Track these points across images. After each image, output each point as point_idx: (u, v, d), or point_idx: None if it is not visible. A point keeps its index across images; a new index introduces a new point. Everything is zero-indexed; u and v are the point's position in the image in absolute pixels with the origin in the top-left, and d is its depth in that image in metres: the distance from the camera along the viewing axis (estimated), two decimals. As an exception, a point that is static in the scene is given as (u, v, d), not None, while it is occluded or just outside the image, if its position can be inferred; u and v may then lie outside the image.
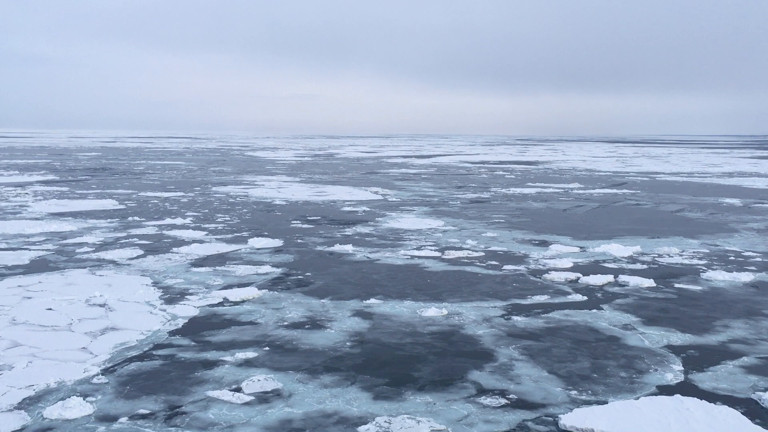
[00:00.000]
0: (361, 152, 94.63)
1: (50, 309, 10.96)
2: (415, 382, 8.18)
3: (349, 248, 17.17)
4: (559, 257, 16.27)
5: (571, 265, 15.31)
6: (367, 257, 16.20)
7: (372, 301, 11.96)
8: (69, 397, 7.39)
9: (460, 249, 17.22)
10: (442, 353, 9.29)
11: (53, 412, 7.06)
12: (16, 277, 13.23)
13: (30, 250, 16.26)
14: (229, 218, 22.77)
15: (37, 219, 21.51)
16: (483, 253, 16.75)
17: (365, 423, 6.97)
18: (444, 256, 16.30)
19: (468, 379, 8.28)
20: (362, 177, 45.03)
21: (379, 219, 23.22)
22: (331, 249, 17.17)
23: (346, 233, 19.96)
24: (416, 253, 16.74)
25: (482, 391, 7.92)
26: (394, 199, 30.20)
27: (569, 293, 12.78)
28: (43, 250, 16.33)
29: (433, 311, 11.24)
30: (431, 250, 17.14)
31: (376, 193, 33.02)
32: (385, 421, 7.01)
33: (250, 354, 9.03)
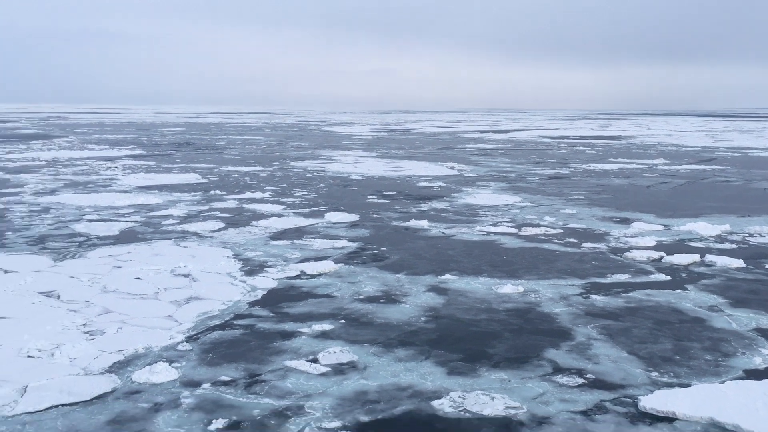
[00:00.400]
0: (437, 127, 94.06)
1: (138, 278, 11.46)
2: (490, 359, 8.14)
3: (424, 223, 17.16)
4: (642, 235, 15.77)
5: (654, 243, 14.82)
6: (443, 233, 16.16)
7: (447, 276, 11.93)
8: (156, 363, 7.73)
9: (538, 226, 16.94)
10: (518, 330, 9.20)
11: (141, 376, 7.40)
12: (106, 247, 13.87)
13: (119, 221, 17.00)
14: (306, 193, 23.14)
15: (125, 192, 22.45)
16: (561, 230, 16.42)
17: (439, 398, 7.00)
18: (521, 233, 16.07)
19: (544, 358, 8.18)
20: (438, 152, 44.79)
21: (455, 194, 23.08)
22: (407, 224, 17.20)
23: (422, 208, 19.95)
24: (492, 229, 16.57)
25: (558, 369, 7.81)
26: (471, 175, 29.93)
27: (652, 272, 12.38)
28: (131, 221, 17.04)
29: (508, 288, 11.13)
30: (508, 226, 16.93)
31: (452, 168, 32.81)
32: (459, 396, 7.01)
33: (327, 326, 9.19)
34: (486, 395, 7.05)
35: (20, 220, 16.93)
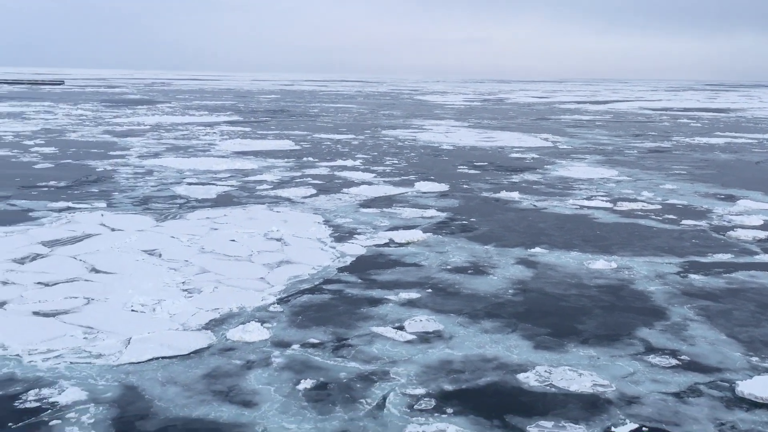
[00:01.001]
0: (532, 97, 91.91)
1: (233, 240, 11.87)
2: (579, 335, 7.98)
3: (515, 195, 16.89)
4: (748, 214, 14.95)
5: (761, 222, 14.03)
6: (534, 205, 15.86)
7: (537, 249, 11.73)
8: (248, 322, 8.02)
9: (635, 201, 16.34)
10: (609, 308, 8.96)
11: (235, 334, 7.71)
12: (205, 210, 14.43)
13: (216, 185, 17.61)
14: (396, 161, 23.19)
15: (223, 157, 23.20)
16: (660, 206, 15.78)
17: (525, 371, 6.94)
18: (616, 208, 15.56)
19: (636, 336, 7.94)
20: (532, 123, 43.82)
21: (548, 167, 22.56)
22: (497, 195, 16.99)
23: (513, 180, 19.64)
24: (586, 203, 16.12)
25: (651, 349, 7.57)
26: (565, 147, 29.15)
27: (757, 253, 11.74)
28: (227, 185, 17.63)
29: (601, 264, 10.83)
30: (602, 200, 16.43)
31: (546, 139, 32.04)
32: (545, 371, 6.92)
33: (413, 294, 9.25)
34: (573, 371, 6.93)
35: (126, 182, 17.83)
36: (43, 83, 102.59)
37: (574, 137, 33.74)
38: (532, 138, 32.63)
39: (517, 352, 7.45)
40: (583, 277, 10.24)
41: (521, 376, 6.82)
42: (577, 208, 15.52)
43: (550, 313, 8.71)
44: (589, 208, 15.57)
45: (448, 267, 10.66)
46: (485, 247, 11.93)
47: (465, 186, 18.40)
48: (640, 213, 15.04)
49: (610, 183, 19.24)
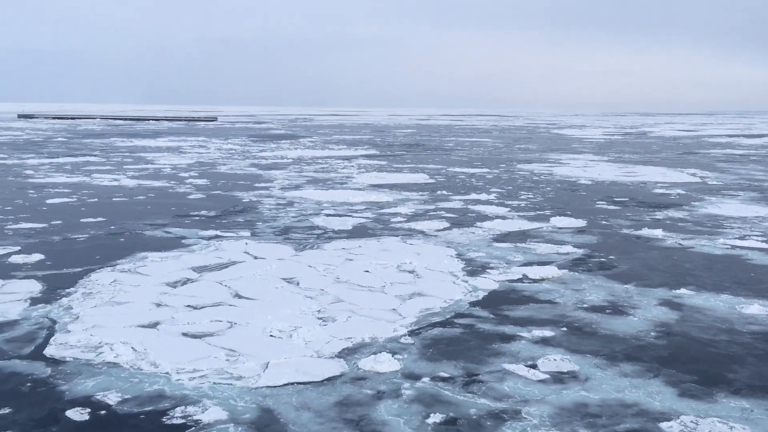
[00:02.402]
0: (678, 130, 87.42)
1: (367, 271, 12.11)
2: (730, 384, 7.39)
3: (658, 233, 16.06)
4: None
5: None
6: (679, 244, 14.99)
7: (682, 291, 11.05)
8: (380, 353, 8.12)
9: (795, 241, 15.04)
10: (765, 356, 8.25)
11: (366, 364, 7.82)
12: (341, 241, 14.85)
13: (353, 217, 18.10)
14: (532, 196, 22.80)
15: (359, 189, 23.84)
16: (825, 248, 14.41)
17: (668, 420, 6.51)
18: (773, 249, 14.38)
19: (796, 390, 7.24)
20: (678, 157, 41.63)
21: (696, 203, 21.29)
22: (639, 233, 16.23)
23: (657, 217, 18.69)
24: (738, 243, 15.03)
25: (814, 405, 6.87)
26: (715, 183, 27.41)
27: None
28: (363, 217, 18.06)
29: (756, 308, 10.01)
30: (758, 240, 15.24)
31: (693, 175, 30.29)
32: (691, 422, 6.47)
33: (547, 332, 8.99)
34: (723, 423, 6.42)
35: (269, 212, 18.74)
36: (199, 120, 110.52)
37: (725, 172, 31.67)
38: (678, 173, 30.98)
39: (660, 399, 7.02)
40: (734, 322, 9.51)
41: (664, 425, 6.41)
42: (728, 248, 14.50)
43: (696, 359, 8.15)
44: (742, 248, 14.51)
45: (585, 305, 10.27)
46: (625, 286, 11.40)
47: (604, 222, 17.74)
48: (801, 255, 13.81)
49: (767, 222, 17.83)
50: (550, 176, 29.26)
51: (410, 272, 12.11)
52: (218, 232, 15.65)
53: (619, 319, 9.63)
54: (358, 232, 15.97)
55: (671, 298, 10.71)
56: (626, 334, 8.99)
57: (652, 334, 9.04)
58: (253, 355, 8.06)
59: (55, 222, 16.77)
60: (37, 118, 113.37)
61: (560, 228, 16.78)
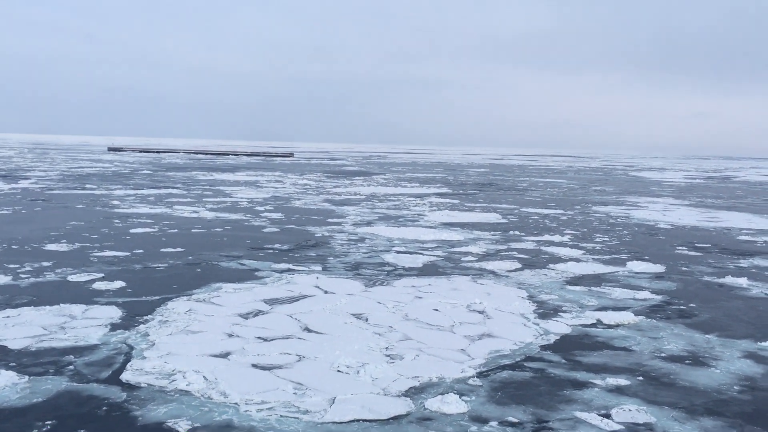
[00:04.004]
0: (764, 175, 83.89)
1: (436, 310, 12.02)
2: (821, 447, 6.92)
3: (743, 282, 15.33)
4: None
5: None
6: (765, 294, 14.26)
7: (769, 344, 10.47)
8: (447, 393, 8.00)
9: None
10: None
11: (433, 404, 7.72)
12: (411, 278, 14.82)
13: (423, 255, 18.06)
14: (607, 239, 22.22)
15: (431, 227, 23.81)
16: None
17: (752, 481, 6.13)
18: None
19: None
20: (764, 203, 39.85)
21: (784, 251, 20.25)
22: (721, 280, 15.53)
23: (741, 264, 17.87)
24: (831, 294, 14.17)
25: None
26: (805, 230, 26.04)
27: None
28: (434, 255, 18.00)
29: None
30: None
31: (781, 221, 28.90)
32: (777, 484, 6.07)
33: (622, 381, 8.66)
34: (813, 489, 5.99)
35: (340, 248, 18.92)
36: (276, 155, 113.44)
37: (816, 220, 30.07)
38: (765, 220, 29.63)
39: (743, 457, 6.62)
40: (827, 380, 8.93)
41: (747, 487, 6.03)
42: (819, 300, 13.69)
43: (784, 418, 7.67)
44: (835, 300, 13.67)
45: (662, 354, 9.86)
46: (706, 336, 10.90)
47: (684, 268, 17.09)
48: None
49: None
50: (627, 219, 28.50)
51: (480, 312, 11.94)
52: (290, 266, 15.90)
53: (700, 371, 9.19)
54: (429, 270, 15.91)
55: (756, 350, 10.16)
56: (707, 387, 8.57)
57: (735, 387, 8.58)
58: (320, 389, 8.08)
59: (137, 251, 17.42)
60: (126, 151, 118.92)
61: (637, 273, 16.25)
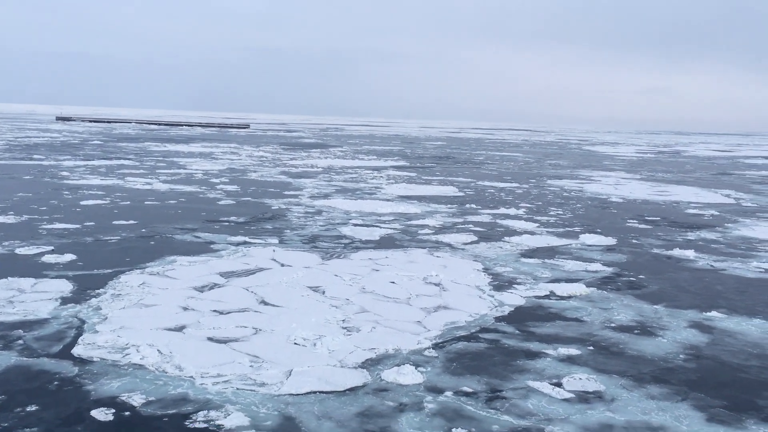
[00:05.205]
0: (713, 151, 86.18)
1: (393, 282, 12.10)
2: (760, 411, 7.22)
3: (690, 254, 15.79)
4: None
5: None
6: (711, 265, 14.73)
7: (713, 314, 10.84)
8: (403, 365, 8.09)
9: (832, 267, 14.67)
10: (798, 384, 8.04)
11: (389, 375, 7.80)
12: (367, 251, 14.86)
13: (380, 227, 18.11)
14: (561, 212, 22.60)
15: (388, 200, 23.85)
16: None
17: (695, 445, 6.38)
18: (809, 274, 14.06)
19: (830, 420, 7.04)
20: (712, 178, 40.99)
21: (729, 225, 20.91)
22: (670, 253, 15.98)
23: (689, 237, 18.40)
24: (773, 266, 14.72)
25: None
26: (750, 204, 26.91)
27: None
28: (391, 228, 18.06)
29: (789, 335, 9.78)
30: (793, 264, 14.91)
31: (727, 196, 29.80)
32: (718, 448, 6.33)
33: (573, 351, 8.87)
34: (752, 452, 6.27)
35: (297, 220, 18.83)
36: (231, 126, 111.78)
37: (760, 195, 31.09)
38: (712, 194, 30.50)
39: (687, 423, 6.88)
40: (766, 348, 9.30)
41: (690, 451, 6.28)
42: (761, 272, 14.20)
43: (726, 384, 7.98)
44: (776, 272, 14.20)
45: (612, 325, 10.13)
46: (654, 306, 11.23)
47: (634, 241, 17.51)
48: (838, 281, 13.47)
49: (803, 246, 17.45)
50: (580, 193, 29.00)
51: (436, 285, 12.06)
52: (246, 239, 15.77)
53: (648, 340, 9.47)
54: (386, 243, 15.96)
55: (702, 320, 10.52)
56: (654, 356, 8.84)
57: (681, 356, 8.88)
58: (276, 362, 8.08)
59: (88, 223, 17.05)
60: (75, 120, 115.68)
61: (589, 245, 16.60)
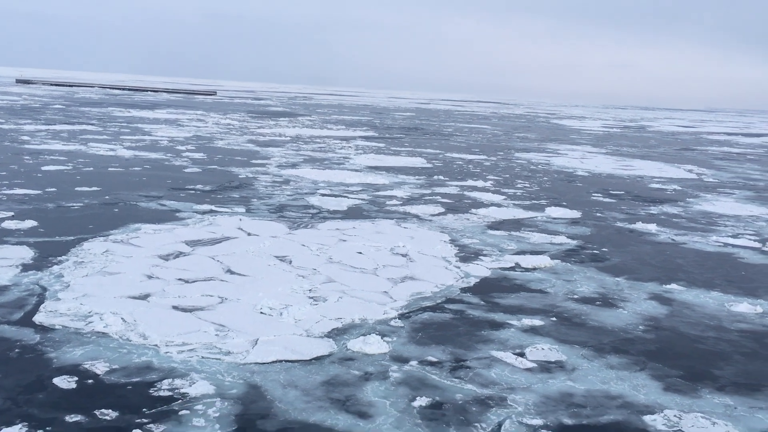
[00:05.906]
0: (677, 126, 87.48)
1: (360, 253, 12.12)
2: (715, 381, 7.45)
3: (652, 227, 16.10)
4: None
5: None
6: (672, 239, 15.04)
7: (673, 286, 11.11)
8: (369, 334, 8.14)
9: (787, 242, 15.09)
10: (751, 355, 8.31)
11: (355, 345, 7.84)
12: (335, 221, 14.84)
13: (348, 198, 18.08)
14: (528, 185, 22.80)
15: (356, 171, 23.79)
16: (816, 250, 14.48)
17: (652, 413, 6.56)
18: (766, 248, 14.44)
19: (780, 389, 7.30)
20: (676, 153, 41.67)
21: (691, 200, 21.34)
22: (632, 226, 16.26)
23: (651, 211, 18.73)
24: (731, 240, 15.09)
25: (797, 405, 6.93)
26: (711, 180, 27.47)
27: None
28: (358, 199, 18.04)
29: (744, 307, 10.07)
30: (750, 239, 15.31)
31: (690, 171, 30.36)
32: (674, 416, 6.52)
33: (537, 322, 9.02)
34: (706, 419, 6.48)
35: (264, 189, 18.70)
36: (197, 93, 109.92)
37: (721, 170, 31.73)
38: (675, 169, 31.03)
39: (645, 392, 7.07)
40: (722, 320, 9.57)
41: (648, 419, 6.46)
42: (720, 246, 14.56)
43: (683, 355, 8.21)
44: (734, 246, 14.57)
45: (575, 296, 10.31)
46: (616, 279, 11.45)
47: (598, 214, 17.77)
48: (793, 256, 13.87)
49: (760, 221, 17.90)
50: (547, 166, 29.26)
51: (403, 256, 12.12)
52: (213, 207, 15.62)
53: (609, 312, 9.67)
54: (353, 214, 15.95)
55: (661, 292, 10.76)
56: (615, 327, 9.04)
57: (640, 327, 9.09)
58: (242, 331, 8.07)
59: (49, 189, 16.70)
60: (35, 84, 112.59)
61: (555, 218, 16.81)
